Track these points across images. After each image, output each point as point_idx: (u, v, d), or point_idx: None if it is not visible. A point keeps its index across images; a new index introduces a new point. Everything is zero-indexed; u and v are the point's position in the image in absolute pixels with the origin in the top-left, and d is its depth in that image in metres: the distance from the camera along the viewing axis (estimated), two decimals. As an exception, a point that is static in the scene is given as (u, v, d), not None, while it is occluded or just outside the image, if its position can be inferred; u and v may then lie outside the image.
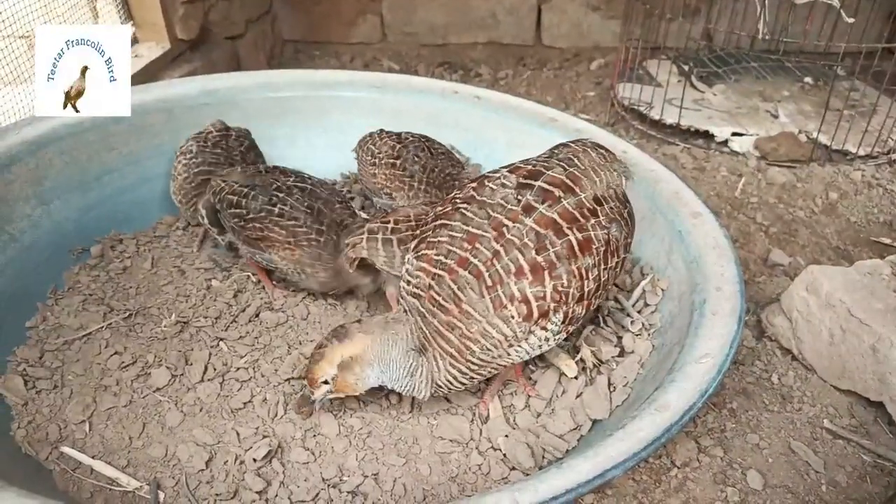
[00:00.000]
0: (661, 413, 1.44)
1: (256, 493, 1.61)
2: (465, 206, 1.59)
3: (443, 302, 1.53)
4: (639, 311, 2.02)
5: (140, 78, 2.78)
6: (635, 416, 1.45)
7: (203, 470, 1.66)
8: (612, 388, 1.82)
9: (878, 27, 3.74)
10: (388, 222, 1.94)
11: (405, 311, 1.63)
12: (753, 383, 2.01)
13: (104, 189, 2.24)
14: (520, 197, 1.56)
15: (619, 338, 1.96)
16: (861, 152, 3.10)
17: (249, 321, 2.08)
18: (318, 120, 2.67)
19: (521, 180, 1.59)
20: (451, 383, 1.63)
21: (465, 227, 1.55)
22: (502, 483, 1.65)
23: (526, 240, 1.50)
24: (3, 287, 1.99)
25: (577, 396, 1.82)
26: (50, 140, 2.18)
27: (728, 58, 3.84)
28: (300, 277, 2.05)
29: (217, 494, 1.61)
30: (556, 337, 1.60)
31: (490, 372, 1.65)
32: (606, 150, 1.81)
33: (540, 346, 1.60)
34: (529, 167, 1.64)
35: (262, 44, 3.94)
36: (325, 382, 1.63)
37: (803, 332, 2.03)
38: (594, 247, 1.56)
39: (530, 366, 1.93)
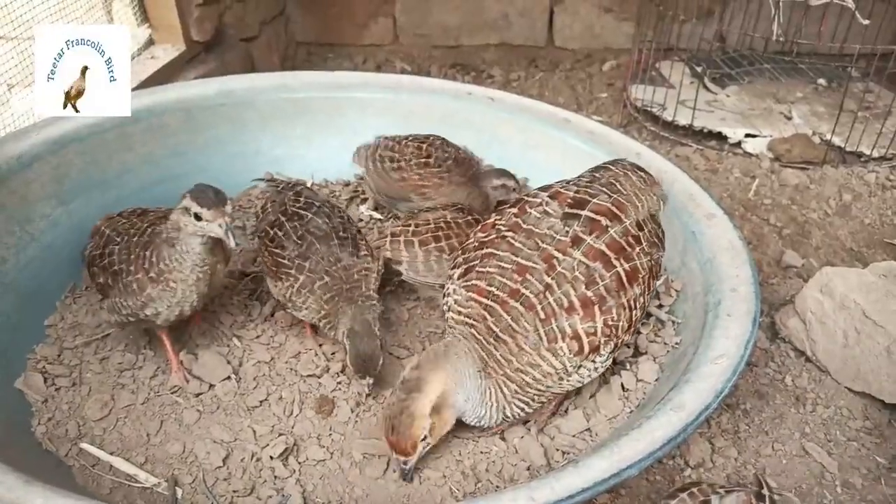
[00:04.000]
0: (676, 413, 1.44)
1: (273, 489, 1.63)
2: (510, 234, 1.58)
3: (500, 334, 1.52)
4: (651, 314, 2.02)
5: (156, 79, 2.81)
6: (651, 416, 1.46)
7: (220, 467, 1.68)
8: (625, 389, 1.83)
9: (893, 29, 3.71)
10: (409, 226, 2.03)
11: (457, 335, 1.59)
12: (767, 384, 2.01)
13: (122, 189, 2.25)
14: (567, 227, 1.54)
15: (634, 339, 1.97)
16: (875, 154, 3.09)
17: (265, 320, 2.09)
18: (333, 120, 2.68)
19: (567, 209, 1.58)
20: (520, 413, 1.63)
21: (514, 258, 1.54)
22: (515, 482, 1.66)
23: (577, 273, 1.49)
24: (23, 285, 2.01)
25: (591, 397, 1.83)
26: (71, 140, 2.20)
27: (741, 59, 3.83)
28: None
29: (234, 491, 1.63)
30: (604, 364, 1.60)
31: (548, 398, 1.66)
32: (646, 172, 1.81)
33: (589, 376, 1.60)
34: (573, 193, 1.62)
35: (275, 45, 3.96)
36: (424, 438, 1.54)
37: (817, 333, 2.03)
38: (640, 276, 1.56)
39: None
